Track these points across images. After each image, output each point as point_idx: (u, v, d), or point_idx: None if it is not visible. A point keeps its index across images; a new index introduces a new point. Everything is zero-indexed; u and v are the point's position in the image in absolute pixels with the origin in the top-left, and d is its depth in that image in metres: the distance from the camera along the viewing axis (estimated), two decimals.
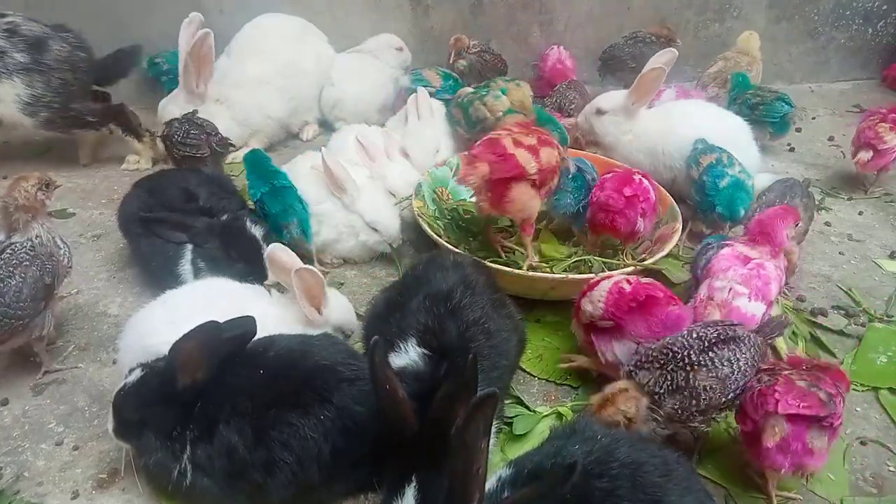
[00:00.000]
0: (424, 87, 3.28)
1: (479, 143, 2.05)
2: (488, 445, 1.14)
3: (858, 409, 1.84)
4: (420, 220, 2.35)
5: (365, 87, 3.50)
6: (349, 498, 1.58)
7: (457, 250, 2.17)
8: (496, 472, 1.32)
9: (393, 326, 1.62)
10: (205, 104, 3.09)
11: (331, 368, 1.54)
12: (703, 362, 1.51)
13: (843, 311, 2.21)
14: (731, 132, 2.71)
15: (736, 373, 1.52)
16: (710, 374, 1.50)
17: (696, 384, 1.48)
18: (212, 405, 1.48)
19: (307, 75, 3.43)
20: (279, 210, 2.32)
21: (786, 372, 1.50)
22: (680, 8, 4.12)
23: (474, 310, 1.63)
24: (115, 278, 2.40)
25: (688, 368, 1.50)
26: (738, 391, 1.51)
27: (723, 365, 1.51)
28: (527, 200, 2.04)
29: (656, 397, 1.49)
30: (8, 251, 1.82)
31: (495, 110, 2.79)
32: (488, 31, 4.08)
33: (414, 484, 1.27)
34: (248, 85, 3.27)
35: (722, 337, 1.56)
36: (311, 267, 1.82)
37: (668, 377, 1.50)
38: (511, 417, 1.76)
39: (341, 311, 1.94)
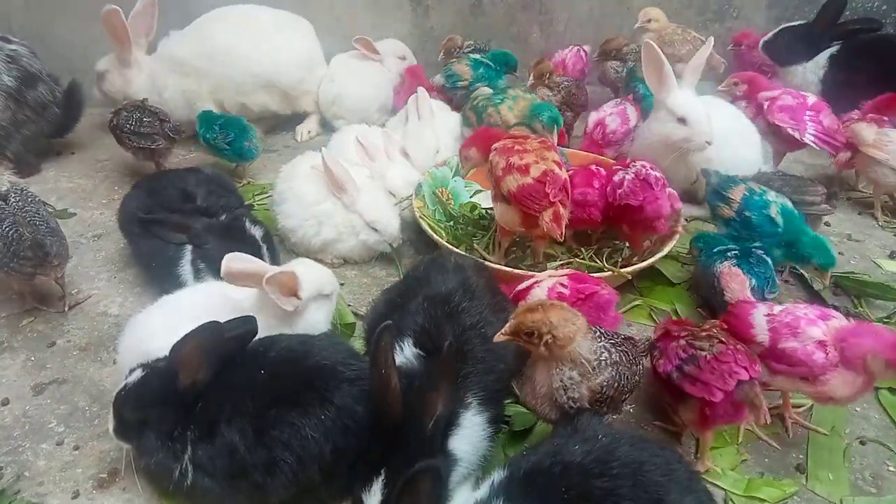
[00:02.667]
0: (456, 83, 3.37)
1: (537, 181, 1.95)
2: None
3: (858, 409, 1.84)
4: (420, 220, 2.35)
5: (365, 85, 3.49)
6: (349, 498, 1.58)
7: (457, 250, 2.18)
8: (491, 474, 1.31)
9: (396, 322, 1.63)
10: (129, 68, 3.33)
11: (331, 368, 1.54)
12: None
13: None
14: (744, 130, 2.72)
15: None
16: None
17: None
18: (213, 405, 1.48)
19: (240, 64, 3.33)
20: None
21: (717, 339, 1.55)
22: (680, 8, 4.12)
23: (472, 314, 1.63)
24: (115, 278, 2.40)
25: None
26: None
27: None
28: None
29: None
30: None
31: (508, 119, 2.82)
32: (488, 31, 4.08)
33: (382, 478, 1.30)
34: (163, 60, 3.35)
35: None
36: (278, 269, 1.77)
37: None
38: (510, 415, 1.76)
39: (315, 279, 1.86)
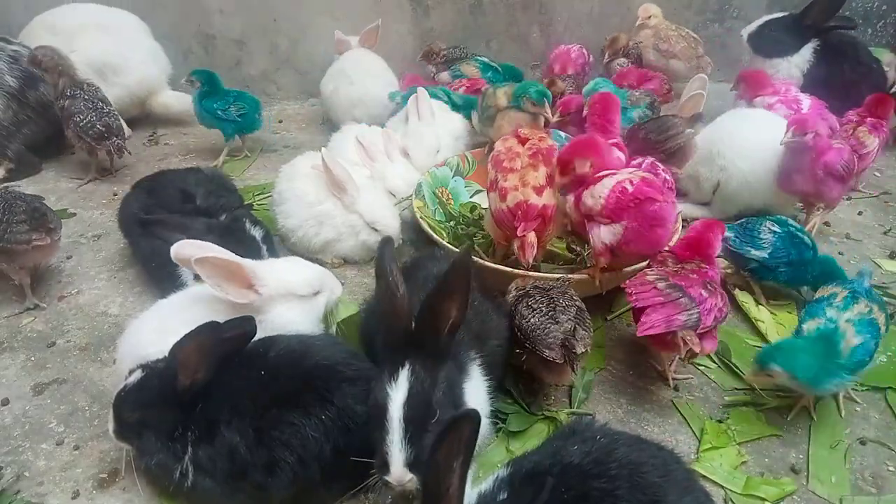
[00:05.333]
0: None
1: (509, 211, 1.99)
2: (465, 466, 1.12)
3: (858, 409, 1.84)
4: (420, 220, 2.35)
5: (386, 87, 3.42)
6: (350, 497, 1.58)
7: (457, 251, 2.18)
8: (494, 472, 1.32)
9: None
10: None
11: (331, 368, 1.54)
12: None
13: None
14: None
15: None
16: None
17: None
18: (213, 406, 1.48)
19: None
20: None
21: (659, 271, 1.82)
22: (679, 8, 4.12)
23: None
24: (115, 278, 2.40)
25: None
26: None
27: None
28: (557, 224, 2.11)
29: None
30: None
31: (500, 103, 2.80)
32: (488, 31, 4.08)
33: (407, 367, 1.35)
34: None
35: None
36: (210, 254, 1.68)
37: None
38: (506, 415, 1.77)
39: (282, 276, 1.79)
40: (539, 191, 1.98)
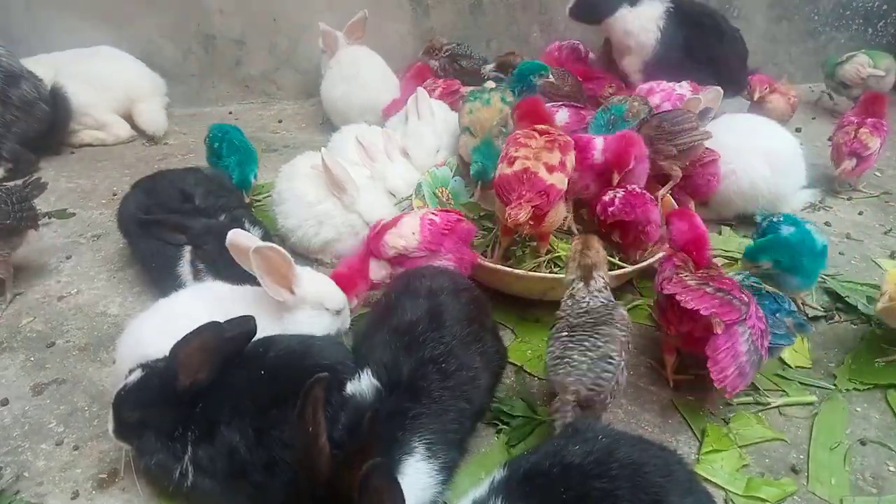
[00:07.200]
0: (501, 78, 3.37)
1: (513, 175, 1.96)
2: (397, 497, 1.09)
3: (858, 409, 1.84)
4: None
5: (388, 92, 3.43)
6: None
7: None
8: (491, 474, 1.30)
9: (363, 349, 1.63)
10: None
11: (331, 368, 1.54)
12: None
13: (843, 311, 2.21)
14: (789, 156, 2.66)
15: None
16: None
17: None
18: (213, 405, 1.48)
19: None
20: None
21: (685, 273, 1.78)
22: None
23: (434, 346, 1.54)
24: (115, 278, 2.40)
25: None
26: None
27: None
28: (559, 214, 2.11)
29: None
30: None
31: (463, 122, 2.73)
32: (488, 31, 4.08)
33: None
34: None
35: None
36: (271, 244, 1.76)
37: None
38: (506, 422, 1.76)
39: (318, 286, 1.86)
40: (550, 168, 1.96)
